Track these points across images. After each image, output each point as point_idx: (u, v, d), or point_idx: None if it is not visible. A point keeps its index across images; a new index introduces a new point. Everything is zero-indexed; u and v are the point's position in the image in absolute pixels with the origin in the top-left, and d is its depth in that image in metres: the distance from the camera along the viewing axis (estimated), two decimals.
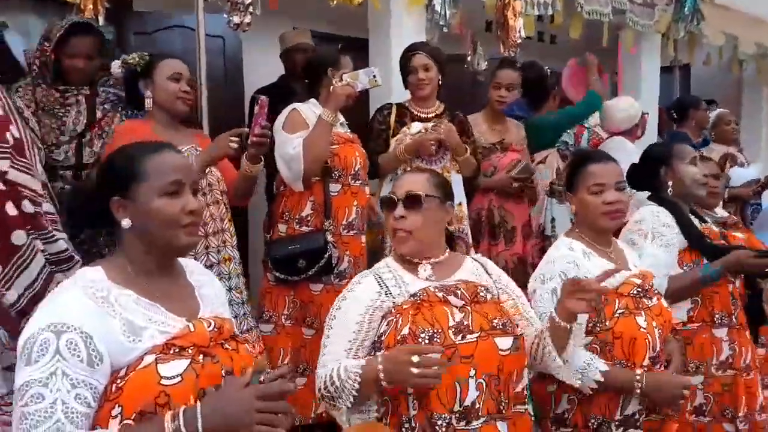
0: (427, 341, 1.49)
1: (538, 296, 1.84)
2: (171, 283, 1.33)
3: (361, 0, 3.01)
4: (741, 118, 6.32)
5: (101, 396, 1.15)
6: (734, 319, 2.25)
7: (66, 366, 1.10)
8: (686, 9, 4.28)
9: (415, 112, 2.93)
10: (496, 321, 1.58)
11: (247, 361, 1.29)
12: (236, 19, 2.58)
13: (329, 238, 2.52)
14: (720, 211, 2.69)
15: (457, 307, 1.57)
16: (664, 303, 1.92)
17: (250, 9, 2.58)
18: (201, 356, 1.21)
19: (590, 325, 1.79)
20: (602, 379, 1.71)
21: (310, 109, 2.60)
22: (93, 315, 1.15)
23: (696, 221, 2.36)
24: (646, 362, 1.78)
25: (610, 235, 1.97)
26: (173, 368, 1.16)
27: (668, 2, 4.44)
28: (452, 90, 5.68)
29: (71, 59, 2.48)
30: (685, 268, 2.23)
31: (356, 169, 2.60)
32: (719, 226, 2.44)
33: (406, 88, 2.97)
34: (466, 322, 1.55)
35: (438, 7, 3.26)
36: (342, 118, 2.69)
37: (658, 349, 1.79)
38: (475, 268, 1.73)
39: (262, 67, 4.02)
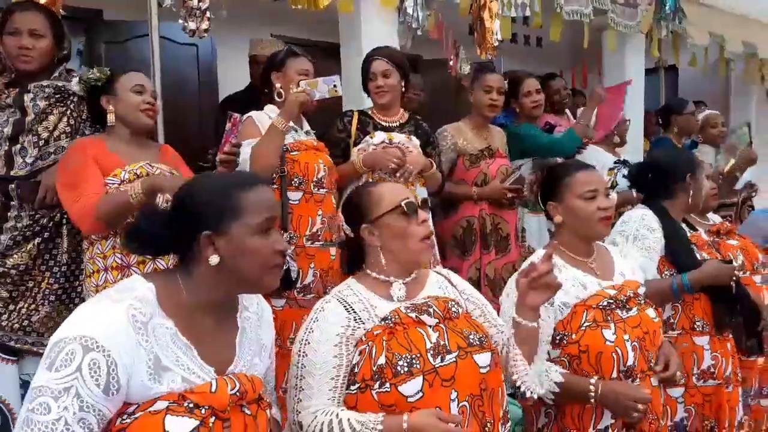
0: (406, 369, 1.40)
1: (505, 308, 1.79)
2: (218, 322, 1.26)
3: (327, 3, 2.89)
4: (730, 119, 6.26)
5: (107, 422, 1.11)
6: (716, 328, 2.17)
7: (82, 386, 1.05)
8: (667, 7, 4.20)
9: (378, 120, 2.81)
10: (472, 337, 1.50)
11: (263, 430, 1.23)
12: (192, 26, 2.46)
13: (289, 249, 2.38)
14: (714, 218, 2.61)
15: (431, 326, 1.48)
16: (650, 313, 1.83)
17: (207, 14, 2.45)
18: (213, 419, 1.14)
19: (558, 338, 1.75)
20: (557, 389, 1.65)
21: (266, 116, 2.49)
22: (126, 343, 1.10)
23: (687, 230, 2.30)
24: (615, 375, 1.70)
25: (592, 244, 1.90)
26: (180, 426, 1.10)
27: (650, 2, 4.36)
28: (435, 95, 5.65)
29: (12, 36, 2.25)
30: (666, 273, 2.17)
31: (319, 176, 2.46)
32: (712, 234, 2.37)
33: (368, 95, 2.86)
34: (442, 342, 1.46)
35: (410, 10, 3.16)
36: (307, 126, 2.58)
37: (632, 361, 1.71)
38: (440, 282, 1.65)
39: (237, 74, 3.93)
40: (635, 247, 2.15)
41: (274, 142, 2.34)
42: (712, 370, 2.14)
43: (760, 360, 2.43)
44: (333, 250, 2.52)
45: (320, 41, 4.58)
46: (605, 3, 4.03)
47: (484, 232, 3.04)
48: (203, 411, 1.13)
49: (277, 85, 2.51)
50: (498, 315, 1.75)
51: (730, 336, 2.20)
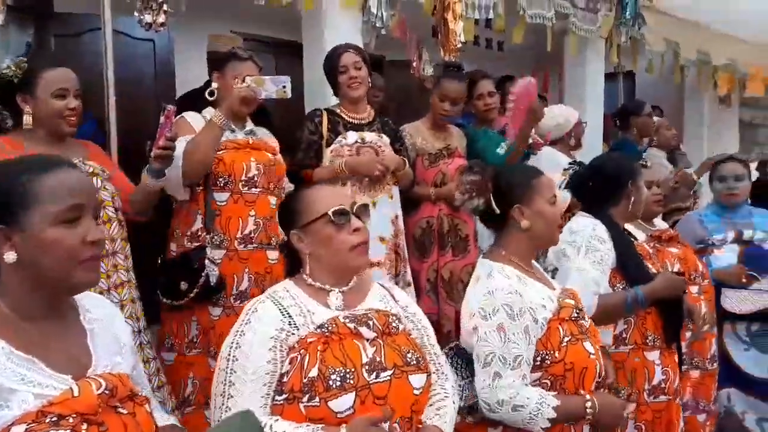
0: (338, 383, 1.30)
1: (481, 334, 1.60)
2: (58, 329, 1.12)
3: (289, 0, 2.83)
4: (684, 124, 6.43)
5: None
6: (666, 341, 2.11)
7: None
8: (627, 13, 4.27)
9: (348, 119, 2.77)
10: (409, 355, 1.41)
11: (146, 428, 1.11)
12: (148, 18, 2.36)
13: (209, 253, 2.28)
14: (660, 223, 2.62)
15: (368, 340, 1.38)
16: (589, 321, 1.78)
17: (165, 7, 2.35)
18: (84, 426, 1.02)
19: (538, 359, 1.60)
20: (555, 415, 1.54)
21: (201, 117, 2.41)
22: None
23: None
24: (592, 389, 1.64)
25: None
26: None
27: (610, 7, 4.43)
28: (398, 97, 5.62)
29: None
30: (618, 286, 2.08)
31: (249, 176, 2.36)
32: (653, 240, 2.34)
33: (335, 93, 2.81)
34: (378, 358, 1.36)
35: (374, 9, 3.12)
36: (251, 125, 2.49)
37: (603, 373, 1.66)
38: (382, 295, 1.55)
39: (196, 71, 3.81)
40: (587, 260, 2.02)
41: (209, 137, 2.25)
42: (663, 385, 2.07)
43: (695, 373, 2.46)
44: (271, 254, 2.41)
45: (282, 39, 4.50)
46: (567, 7, 4.07)
47: (441, 232, 3.03)
48: (71, 420, 1.01)
49: (214, 85, 2.42)
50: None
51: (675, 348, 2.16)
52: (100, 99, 2.71)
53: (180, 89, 3.91)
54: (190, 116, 2.40)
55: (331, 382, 1.30)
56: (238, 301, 2.29)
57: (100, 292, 2.01)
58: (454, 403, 1.52)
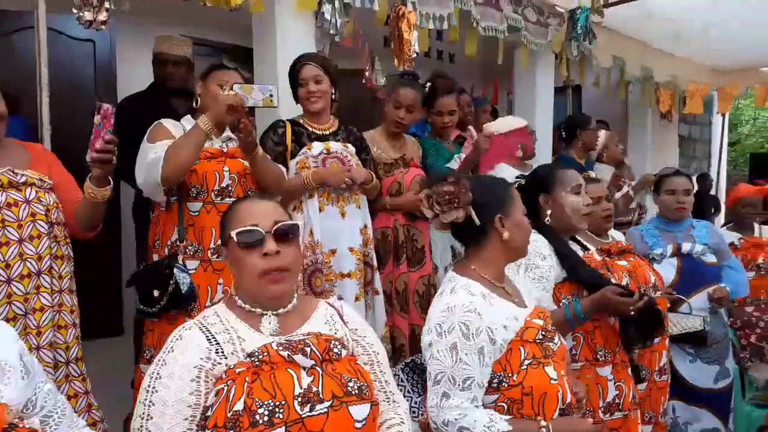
0: (266, 418, 1.19)
1: (434, 352, 1.52)
2: None
3: (240, 2, 2.72)
4: (628, 138, 6.61)
5: None
6: (617, 356, 2.08)
7: None
8: (579, 27, 4.35)
9: (311, 129, 2.72)
10: (351, 384, 1.30)
11: None
12: (88, 16, 2.21)
13: (180, 262, 2.21)
14: (616, 235, 2.62)
15: (305, 368, 1.28)
16: (560, 341, 1.71)
17: (106, 5, 2.22)
18: None
19: (495, 381, 1.53)
20: None
21: (179, 124, 2.33)
22: None
23: (578, 249, 2.21)
24: (556, 416, 1.54)
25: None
26: None
27: (561, 22, 4.50)
28: (350, 106, 5.56)
29: None
30: (564, 301, 2.01)
31: (223, 185, 2.29)
32: (603, 253, 2.31)
33: (297, 102, 2.74)
34: (315, 389, 1.26)
35: (327, 15, 3.05)
36: (228, 133, 2.40)
37: (569, 399, 1.58)
38: (329, 316, 1.45)
39: (139, 74, 3.65)
40: (527, 278, 1.94)
41: (193, 141, 2.16)
42: (617, 401, 2.03)
43: (641, 385, 2.46)
44: None
45: (233, 44, 4.38)
46: (519, 21, 4.11)
47: (397, 243, 2.98)
48: None
49: (198, 92, 2.37)
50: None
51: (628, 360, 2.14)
52: (33, 101, 2.56)
53: (122, 92, 3.74)
54: (168, 123, 2.32)
55: (257, 417, 1.19)
56: None
57: (13, 318, 1.87)
58: (409, 430, 1.45)
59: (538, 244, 1.98)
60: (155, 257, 2.32)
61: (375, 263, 2.83)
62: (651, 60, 5.64)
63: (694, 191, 3.15)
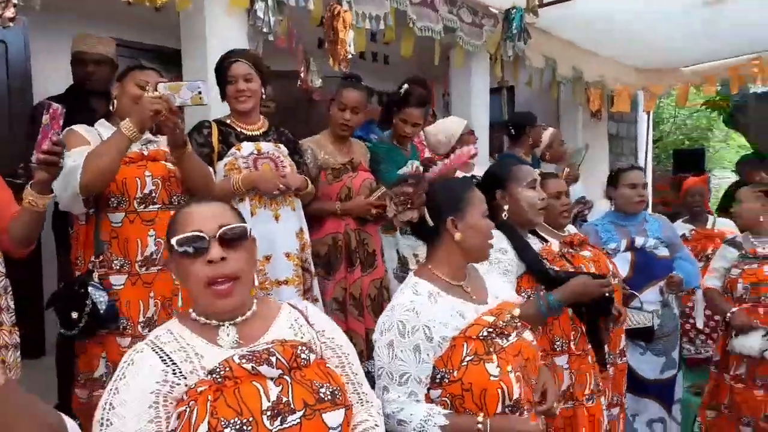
0: None
1: (377, 348, 1.61)
2: None
3: (165, 1, 2.56)
4: (561, 136, 6.76)
5: None
6: (573, 345, 2.14)
7: None
8: (513, 27, 4.39)
9: (239, 129, 2.57)
10: (323, 390, 1.25)
11: None
12: None
13: (95, 279, 2.05)
14: (571, 229, 2.65)
15: (272, 379, 1.21)
16: (528, 336, 1.72)
17: (14, 0, 2.03)
18: None
19: (438, 376, 1.58)
20: None
21: (93, 130, 2.16)
22: None
23: (536, 242, 2.25)
24: (500, 411, 1.56)
25: (466, 266, 1.76)
26: None
27: (495, 23, 4.53)
28: (285, 108, 5.43)
29: None
30: (523, 294, 2.07)
31: (146, 192, 2.13)
32: (564, 246, 2.35)
33: (223, 100, 2.60)
34: (285, 399, 1.19)
35: (260, 13, 2.93)
36: (148, 135, 2.23)
37: (518, 394, 1.58)
38: (293, 319, 1.38)
39: (57, 76, 3.41)
40: (494, 272, 1.99)
41: (115, 147, 1.99)
42: (571, 390, 2.09)
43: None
44: None
45: (160, 45, 4.17)
46: (454, 22, 4.10)
47: (349, 248, 2.90)
48: None
49: (114, 93, 2.21)
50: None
51: (589, 348, 2.19)
52: None
53: (38, 96, 3.48)
54: (81, 128, 2.14)
55: None
56: (147, 329, 2.06)
57: None
58: (382, 429, 1.41)
59: (498, 239, 2.01)
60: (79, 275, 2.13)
61: (313, 269, 2.73)
62: (581, 61, 5.78)
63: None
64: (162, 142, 2.26)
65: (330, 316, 2.81)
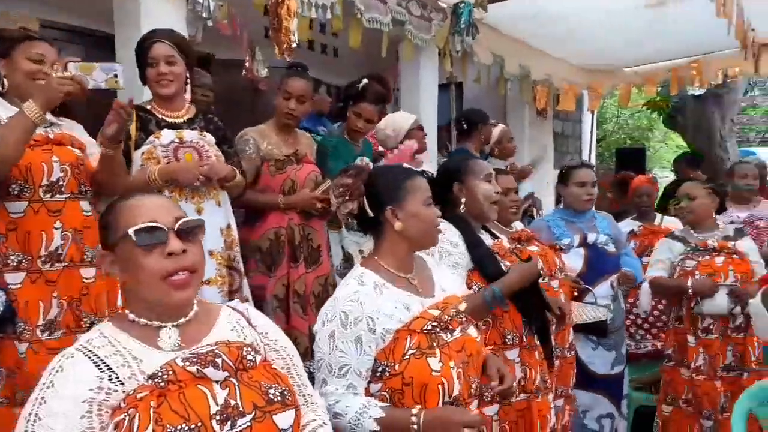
0: None
1: (317, 340, 1.58)
2: None
3: None
4: None
5: None
6: (524, 339, 2.16)
7: None
8: (462, 21, 4.37)
9: (161, 116, 2.41)
10: (272, 391, 1.20)
11: None
12: None
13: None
14: (518, 225, 2.65)
15: (218, 382, 1.15)
16: (472, 332, 1.69)
17: None
18: None
19: (379, 370, 1.56)
20: (378, 427, 1.49)
21: None
22: None
23: (488, 237, 2.25)
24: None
25: (413, 257, 1.73)
26: None
27: (444, 17, 4.50)
28: (230, 99, 5.25)
29: None
30: (474, 288, 2.07)
31: (53, 179, 1.97)
32: (513, 241, 2.36)
33: (144, 83, 2.43)
34: (233, 402, 1.13)
35: None
36: (51, 117, 2.07)
37: (458, 391, 1.56)
38: (235, 321, 1.32)
39: None
40: (443, 264, 2.00)
41: (18, 130, 1.83)
42: (522, 383, 2.11)
43: (555, 362, 2.52)
44: (86, 272, 2.03)
45: (92, 29, 3.95)
46: (403, 14, 4.05)
47: (293, 244, 2.79)
48: None
49: (2, 73, 2.02)
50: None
51: (538, 344, 2.20)
52: None
53: None
54: None
55: None
56: (47, 333, 1.91)
57: None
58: (330, 428, 1.38)
59: (448, 233, 2.05)
60: None
61: (242, 268, 2.59)
62: (528, 59, 5.83)
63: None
64: (66, 126, 2.10)
65: (271, 314, 2.76)
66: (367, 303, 1.55)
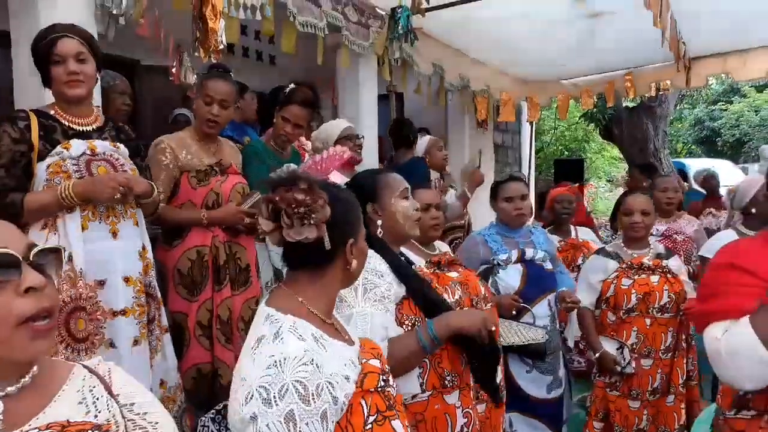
0: None
1: (262, 427, 1.11)
2: None
3: None
4: (449, 145, 6.74)
5: None
6: (463, 379, 1.88)
7: None
8: (400, 27, 4.23)
9: (67, 124, 2.15)
10: None
11: None
12: None
13: None
14: (441, 246, 2.46)
15: None
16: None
17: None
18: None
19: None
20: None
21: None
22: None
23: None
24: None
25: None
26: None
27: (382, 24, 4.36)
28: (156, 107, 4.96)
29: None
30: (406, 323, 1.75)
31: None
32: (432, 266, 2.12)
33: (45, 86, 2.17)
34: None
35: None
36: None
37: None
38: (88, 390, 1.01)
39: None
40: (367, 301, 1.64)
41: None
42: (465, 430, 1.83)
43: (481, 407, 2.28)
44: None
45: None
46: (339, 19, 3.87)
47: (217, 264, 2.53)
48: None
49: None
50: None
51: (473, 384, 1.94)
52: None
53: None
54: None
55: None
56: None
57: None
58: None
59: (373, 261, 1.71)
60: None
61: (159, 294, 2.33)
62: (468, 69, 5.77)
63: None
64: None
65: (194, 343, 2.50)
66: (321, 365, 1.18)
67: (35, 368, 0.96)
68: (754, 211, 3.25)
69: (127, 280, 2.17)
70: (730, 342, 1.46)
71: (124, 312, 2.15)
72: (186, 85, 4.56)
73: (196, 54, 3.00)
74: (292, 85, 2.97)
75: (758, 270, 1.49)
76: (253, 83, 4.70)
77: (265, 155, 2.90)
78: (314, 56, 3.81)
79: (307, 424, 1.12)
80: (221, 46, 2.88)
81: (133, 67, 4.85)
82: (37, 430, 0.89)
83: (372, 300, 1.65)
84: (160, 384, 2.31)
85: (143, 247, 2.26)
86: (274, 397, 1.12)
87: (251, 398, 1.13)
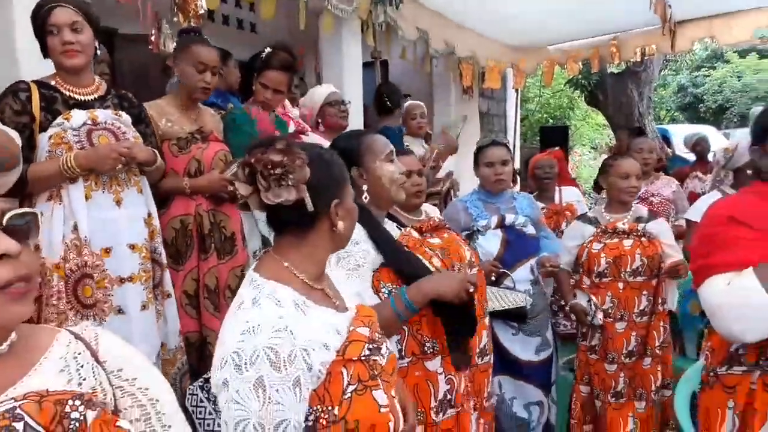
0: None
1: (232, 392, 1.09)
2: None
3: None
4: (434, 112, 6.70)
5: None
6: (444, 345, 1.83)
7: None
8: None
9: (68, 94, 2.14)
10: None
11: None
12: None
13: None
14: (430, 210, 2.45)
15: None
16: (392, 347, 1.46)
17: None
18: None
19: (311, 419, 1.15)
20: None
21: None
22: None
23: (393, 228, 1.96)
24: None
25: None
26: None
27: None
28: (135, 76, 4.85)
29: None
30: (383, 291, 1.69)
31: None
32: (418, 231, 2.10)
33: (45, 56, 2.15)
34: None
35: None
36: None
37: (401, 428, 1.30)
38: (72, 357, 0.98)
39: None
40: (341, 269, 1.60)
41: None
42: (449, 396, 1.80)
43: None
44: None
45: None
46: None
47: (201, 233, 2.51)
48: None
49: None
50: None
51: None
52: None
53: None
54: None
55: None
56: None
57: None
58: None
59: None
60: None
61: (164, 260, 2.36)
62: (453, 35, 5.70)
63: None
64: None
65: (181, 312, 2.49)
66: (297, 331, 1.14)
67: (13, 335, 0.92)
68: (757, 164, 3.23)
69: (132, 247, 2.21)
70: (734, 293, 1.47)
71: (131, 278, 2.19)
72: (165, 54, 4.46)
73: (175, 20, 2.93)
74: (268, 50, 2.88)
75: (757, 222, 1.51)
76: (235, 52, 4.61)
77: (243, 122, 2.86)
78: (296, 24, 3.73)
79: (277, 390, 1.09)
80: (201, 11, 2.81)
81: (111, 36, 4.73)
82: (12, 400, 0.86)
83: (346, 269, 1.62)
84: (161, 346, 2.35)
85: (149, 214, 2.29)
86: (245, 362, 1.09)
87: (225, 364, 1.11)
